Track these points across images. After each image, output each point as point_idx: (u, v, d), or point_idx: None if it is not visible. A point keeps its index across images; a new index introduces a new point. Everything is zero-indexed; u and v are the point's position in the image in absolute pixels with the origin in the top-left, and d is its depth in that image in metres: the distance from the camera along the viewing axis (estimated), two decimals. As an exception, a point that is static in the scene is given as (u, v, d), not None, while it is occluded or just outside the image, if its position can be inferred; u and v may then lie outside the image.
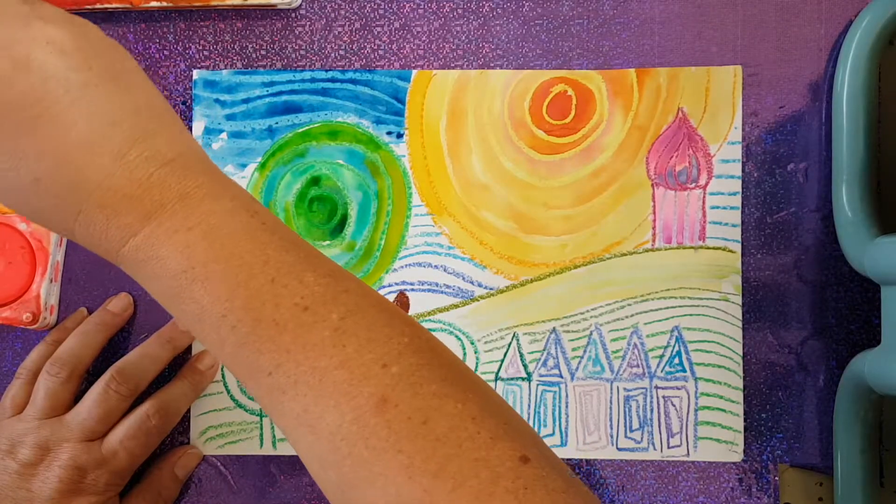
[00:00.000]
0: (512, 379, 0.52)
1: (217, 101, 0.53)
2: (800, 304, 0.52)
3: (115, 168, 0.34)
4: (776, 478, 0.52)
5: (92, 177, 0.34)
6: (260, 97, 0.53)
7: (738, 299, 0.52)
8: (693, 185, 0.52)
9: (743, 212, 0.52)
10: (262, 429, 0.53)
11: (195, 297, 0.34)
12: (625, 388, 0.52)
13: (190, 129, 0.53)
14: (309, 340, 0.33)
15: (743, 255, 0.52)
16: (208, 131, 0.53)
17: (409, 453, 0.32)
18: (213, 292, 0.33)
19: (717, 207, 0.52)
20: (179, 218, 0.34)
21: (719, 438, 0.52)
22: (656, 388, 0.52)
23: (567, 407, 0.52)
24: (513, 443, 0.32)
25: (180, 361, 0.53)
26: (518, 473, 0.31)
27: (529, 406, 0.52)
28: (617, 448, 0.52)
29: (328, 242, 0.53)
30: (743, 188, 0.52)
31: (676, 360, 0.52)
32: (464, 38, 0.53)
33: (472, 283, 0.53)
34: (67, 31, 0.34)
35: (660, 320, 0.52)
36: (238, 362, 0.34)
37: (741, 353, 0.52)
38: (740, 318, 0.52)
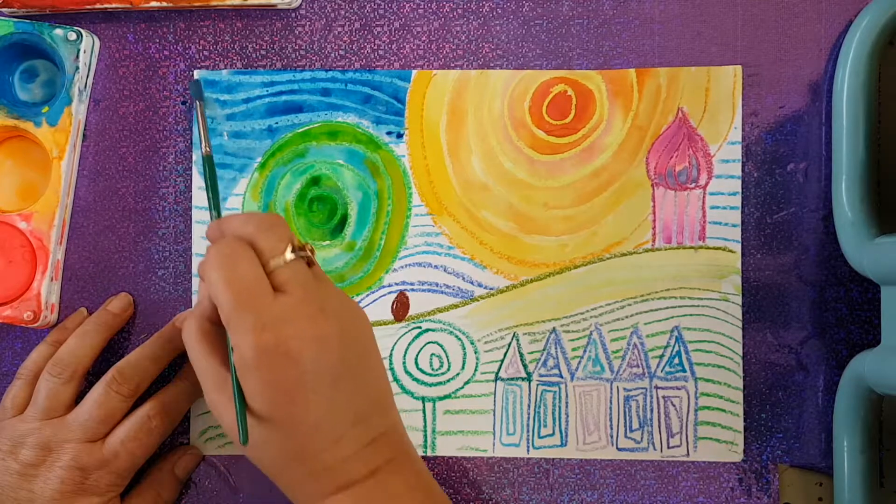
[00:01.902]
0: (512, 379, 0.52)
1: (217, 101, 0.53)
2: (800, 304, 0.52)
3: (329, 446, 0.41)
4: (776, 478, 0.52)
5: (309, 449, 0.41)
6: (260, 97, 0.53)
7: (738, 299, 0.52)
8: (693, 185, 0.52)
9: (743, 212, 0.52)
10: (262, 429, 0.53)
11: None
12: (625, 388, 0.52)
13: (191, 129, 0.53)
14: None
15: (743, 255, 0.52)
16: (208, 131, 0.53)
17: None
18: None
19: (717, 207, 0.52)
20: (365, 491, 0.41)
21: (719, 438, 0.52)
22: (656, 388, 0.52)
23: (567, 407, 0.52)
24: None
25: (180, 361, 0.53)
26: None
27: (529, 406, 0.52)
28: (617, 448, 0.52)
29: (328, 242, 0.53)
30: (743, 188, 0.52)
31: (676, 360, 0.52)
32: (464, 38, 0.53)
33: (472, 283, 0.53)
34: (337, 327, 0.41)
35: (660, 320, 0.52)
36: None
37: (741, 353, 0.52)
38: (740, 318, 0.52)
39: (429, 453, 0.52)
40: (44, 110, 0.52)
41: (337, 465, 0.41)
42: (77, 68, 0.52)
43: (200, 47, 0.54)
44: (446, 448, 0.52)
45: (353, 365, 0.42)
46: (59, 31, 0.52)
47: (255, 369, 0.40)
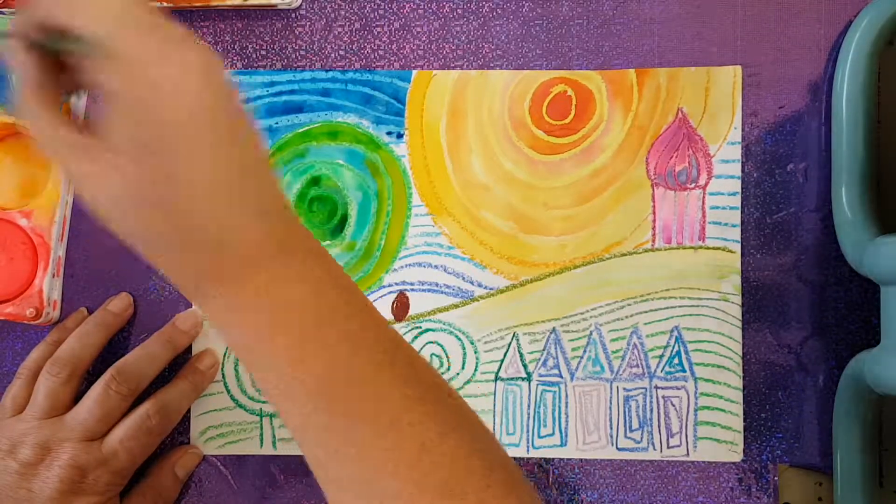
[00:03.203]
0: (512, 379, 0.52)
1: (217, 101, 0.53)
2: (799, 304, 0.52)
3: (226, 216, 0.34)
4: (776, 478, 0.52)
5: (203, 221, 0.34)
6: (260, 97, 0.54)
7: (738, 299, 0.52)
8: (693, 185, 0.52)
9: (743, 212, 0.52)
10: (262, 429, 0.53)
11: (274, 353, 0.35)
12: (624, 388, 0.52)
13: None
14: (373, 413, 0.34)
15: (743, 255, 0.52)
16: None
17: None
18: (293, 355, 0.34)
19: (717, 207, 0.52)
20: (275, 274, 0.35)
21: (719, 438, 0.52)
22: (656, 388, 0.52)
23: (567, 407, 0.52)
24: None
25: (180, 361, 0.53)
26: None
27: (529, 406, 0.52)
28: (617, 448, 0.52)
29: (328, 242, 0.53)
30: (743, 188, 0.52)
31: (676, 361, 0.52)
32: (464, 38, 0.53)
33: (472, 283, 0.53)
34: (217, 65, 0.34)
35: (659, 320, 0.52)
36: (305, 423, 0.35)
37: (741, 353, 0.52)
38: (740, 318, 0.52)
39: (428, 453, 0.52)
40: (44, 109, 0.52)
41: (238, 240, 0.34)
42: (77, 68, 0.52)
43: (201, 47, 0.54)
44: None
45: (234, 114, 0.34)
46: (59, 31, 0.52)
47: (128, 111, 0.33)
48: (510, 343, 0.53)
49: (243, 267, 0.34)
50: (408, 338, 0.53)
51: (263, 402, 0.53)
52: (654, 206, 0.52)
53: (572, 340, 0.52)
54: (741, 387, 0.52)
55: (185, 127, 0.33)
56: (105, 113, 0.33)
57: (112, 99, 0.33)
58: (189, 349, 0.53)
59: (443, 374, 0.53)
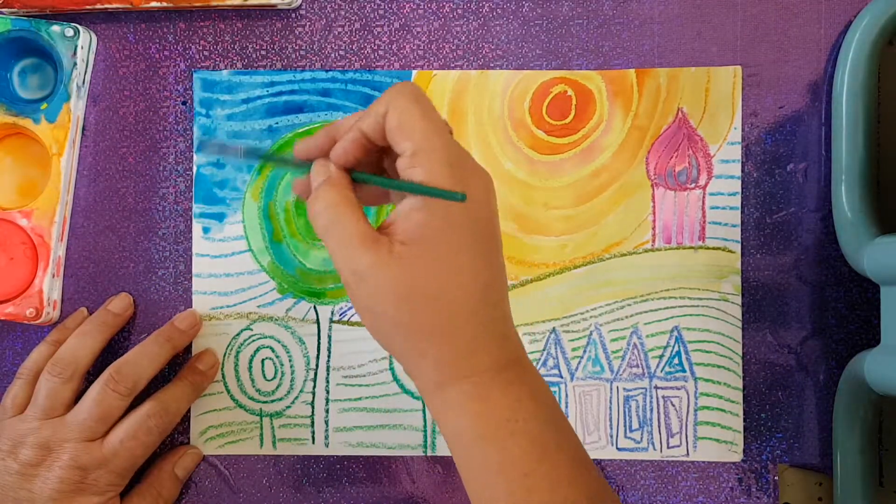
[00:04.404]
0: (512, 379, 0.52)
1: (217, 101, 0.53)
2: (799, 304, 0.52)
3: (478, 320, 0.38)
4: (776, 478, 0.52)
5: (463, 317, 0.37)
6: (260, 97, 0.53)
7: (738, 299, 0.52)
8: (693, 185, 0.52)
9: (743, 212, 0.52)
10: (262, 429, 0.53)
11: (507, 447, 0.37)
12: (624, 388, 0.52)
13: (191, 129, 0.54)
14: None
15: (743, 255, 0.52)
16: (208, 131, 0.53)
17: None
18: (526, 449, 0.37)
19: (717, 207, 0.52)
20: (516, 373, 0.38)
21: (719, 438, 0.52)
22: (656, 388, 0.52)
23: (567, 407, 0.52)
24: None
25: (180, 361, 0.53)
26: None
27: (529, 406, 0.52)
28: (617, 448, 0.52)
29: (328, 242, 0.53)
30: (743, 188, 0.52)
31: (676, 360, 0.52)
32: (464, 38, 0.53)
33: (472, 283, 0.53)
34: (493, 185, 0.39)
35: (659, 320, 0.52)
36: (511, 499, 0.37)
37: (741, 353, 0.52)
38: (740, 318, 0.52)
39: (428, 453, 0.52)
40: (42, 107, 0.52)
41: (487, 340, 0.38)
42: (75, 64, 0.52)
43: (200, 47, 0.54)
44: (447, 448, 0.52)
45: (494, 229, 0.39)
46: (56, 28, 0.52)
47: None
48: (510, 343, 0.52)
49: (491, 364, 0.38)
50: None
51: (263, 402, 0.53)
52: (654, 206, 0.52)
53: (572, 340, 0.52)
54: (741, 387, 0.52)
55: (476, 228, 0.37)
56: (400, 210, 0.37)
57: (411, 199, 0.37)
58: (189, 349, 0.53)
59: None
